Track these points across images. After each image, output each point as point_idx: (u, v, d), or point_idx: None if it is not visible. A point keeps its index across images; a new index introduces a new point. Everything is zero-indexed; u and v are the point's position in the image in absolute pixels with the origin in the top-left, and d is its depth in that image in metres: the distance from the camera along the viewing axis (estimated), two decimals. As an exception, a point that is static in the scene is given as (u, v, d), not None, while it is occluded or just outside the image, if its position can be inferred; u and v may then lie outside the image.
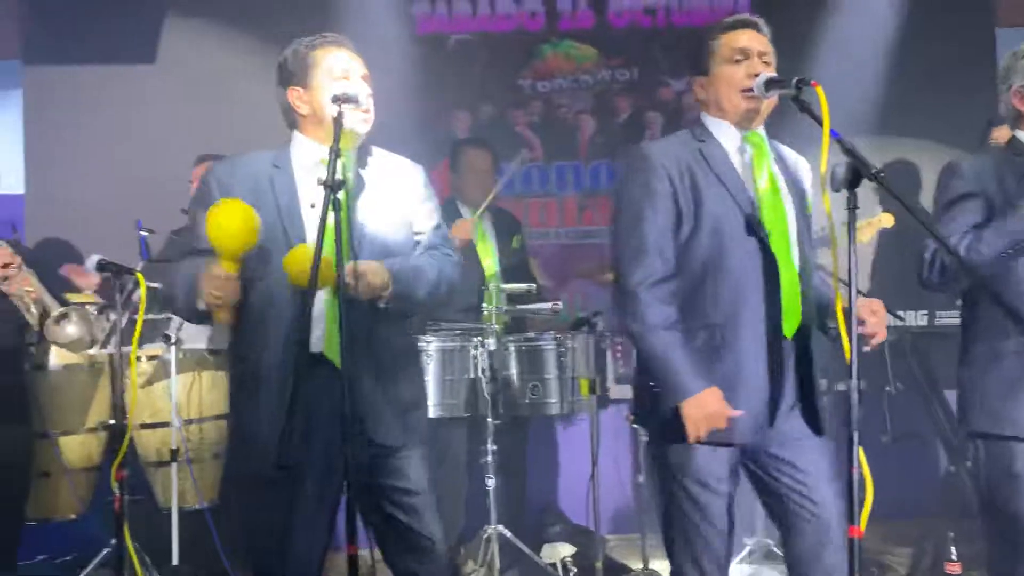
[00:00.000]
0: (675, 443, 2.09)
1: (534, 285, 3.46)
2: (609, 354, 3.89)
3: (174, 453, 3.32)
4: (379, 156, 2.27)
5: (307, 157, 2.18)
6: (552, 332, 3.56)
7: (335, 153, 1.90)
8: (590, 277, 4.28)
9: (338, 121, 1.98)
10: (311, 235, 2.03)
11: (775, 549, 3.65)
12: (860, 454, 1.75)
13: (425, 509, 2.19)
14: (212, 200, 2.08)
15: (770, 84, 2.08)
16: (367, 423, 2.04)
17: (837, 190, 1.82)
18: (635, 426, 3.51)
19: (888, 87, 4.44)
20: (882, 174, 1.80)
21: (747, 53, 2.14)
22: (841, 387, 4.15)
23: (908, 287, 3.78)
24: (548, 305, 3.47)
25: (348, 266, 1.97)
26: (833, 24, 4.44)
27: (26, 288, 2.92)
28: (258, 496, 2.14)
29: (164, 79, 4.46)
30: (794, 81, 1.99)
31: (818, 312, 2.19)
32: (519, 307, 3.46)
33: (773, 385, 2.10)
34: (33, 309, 2.93)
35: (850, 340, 1.80)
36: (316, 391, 1.97)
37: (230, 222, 1.99)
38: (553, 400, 3.46)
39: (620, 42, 4.68)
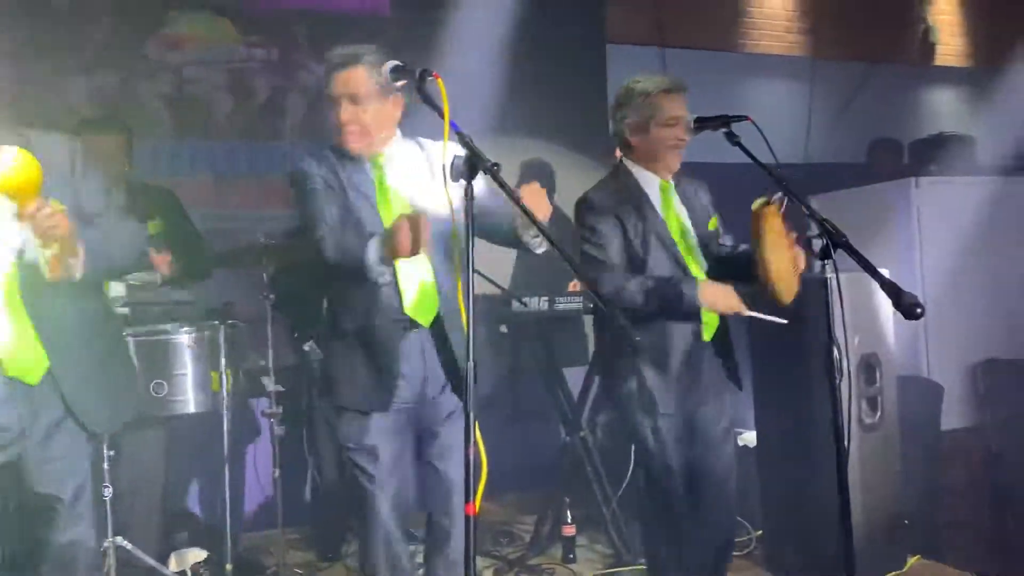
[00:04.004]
0: None
1: (159, 275, 3.17)
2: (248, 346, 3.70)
3: None
4: None
5: None
6: (181, 324, 3.31)
7: None
8: (235, 266, 3.94)
9: None
10: None
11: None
12: (476, 432, 1.82)
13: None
14: None
15: (396, 71, 2.10)
16: None
17: (456, 180, 1.88)
18: (271, 419, 3.38)
19: (521, 91, 4.75)
20: (497, 167, 1.88)
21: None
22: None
23: (533, 275, 4.12)
24: (176, 295, 3.21)
25: None
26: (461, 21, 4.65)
27: None
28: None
29: None
30: (418, 71, 2.02)
31: None
32: (139, 297, 3.15)
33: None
34: None
35: (468, 322, 1.86)
36: None
37: None
38: (182, 398, 3.22)
39: (259, 21, 4.48)
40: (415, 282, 2.35)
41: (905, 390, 3.75)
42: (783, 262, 2.51)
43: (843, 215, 4.90)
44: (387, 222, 2.32)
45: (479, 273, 3.62)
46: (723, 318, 2.68)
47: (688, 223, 2.71)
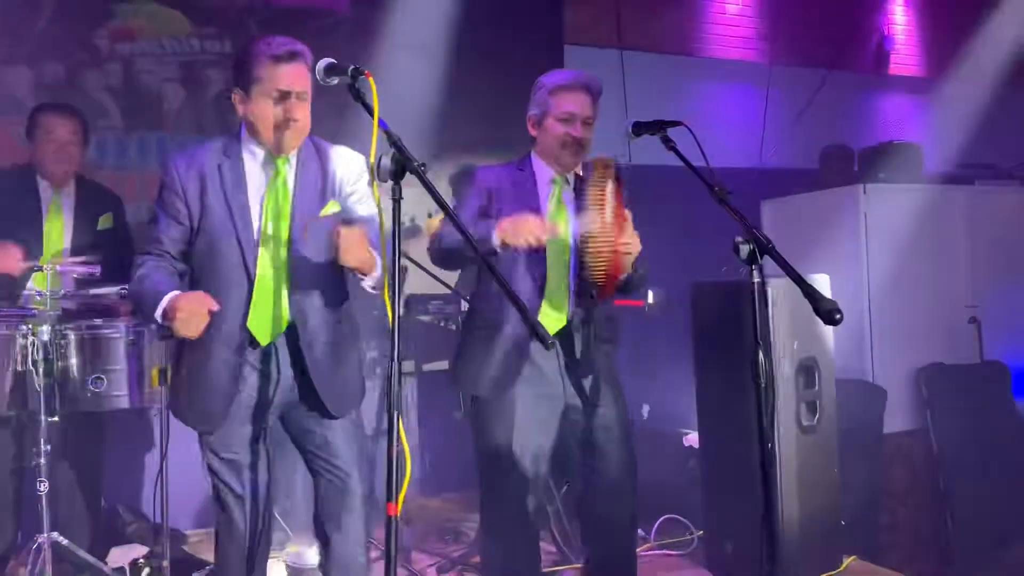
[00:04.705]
0: None
1: (98, 266, 3.12)
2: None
3: None
4: None
5: None
6: (123, 319, 3.28)
7: None
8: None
9: None
10: None
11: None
12: (400, 431, 1.82)
13: None
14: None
15: (330, 70, 2.09)
16: None
17: (384, 181, 1.89)
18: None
19: (479, 90, 4.74)
20: (424, 167, 1.88)
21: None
22: (430, 367, 4.39)
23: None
24: (115, 288, 3.17)
25: None
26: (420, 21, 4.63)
27: None
28: None
29: None
30: (350, 69, 2.02)
31: None
32: (80, 291, 3.11)
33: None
34: None
35: (394, 321, 1.86)
36: None
37: None
38: (121, 393, 3.19)
39: (211, 12, 4.44)
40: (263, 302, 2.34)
41: (848, 394, 3.81)
42: (600, 229, 2.43)
43: (794, 220, 5.01)
44: (269, 227, 2.35)
45: (429, 273, 3.66)
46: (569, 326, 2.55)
47: (570, 220, 2.64)
